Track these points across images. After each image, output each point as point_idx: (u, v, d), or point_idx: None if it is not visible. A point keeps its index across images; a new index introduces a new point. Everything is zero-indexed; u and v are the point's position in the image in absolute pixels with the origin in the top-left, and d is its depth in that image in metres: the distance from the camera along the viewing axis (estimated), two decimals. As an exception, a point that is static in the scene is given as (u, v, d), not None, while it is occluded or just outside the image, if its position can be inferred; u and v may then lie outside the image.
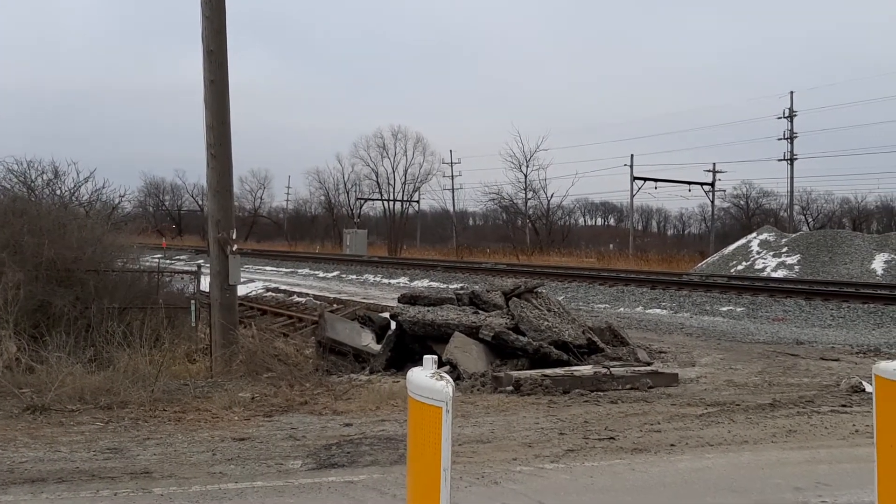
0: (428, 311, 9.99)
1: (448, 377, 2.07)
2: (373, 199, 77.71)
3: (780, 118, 55.46)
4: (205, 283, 11.87)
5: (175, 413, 7.05)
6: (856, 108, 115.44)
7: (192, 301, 12.03)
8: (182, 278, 14.21)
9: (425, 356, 2.12)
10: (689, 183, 57.43)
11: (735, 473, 5.21)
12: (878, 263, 35.93)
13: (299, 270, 38.54)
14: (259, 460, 5.55)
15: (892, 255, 36.08)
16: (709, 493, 4.71)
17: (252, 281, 29.30)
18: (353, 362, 10.53)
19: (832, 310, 17.80)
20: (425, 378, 2.08)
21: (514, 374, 8.45)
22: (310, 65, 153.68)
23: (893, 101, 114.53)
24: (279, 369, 9.33)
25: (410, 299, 11.10)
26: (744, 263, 39.96)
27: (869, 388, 8.12)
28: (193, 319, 11.84)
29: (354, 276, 33.29)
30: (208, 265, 10.72)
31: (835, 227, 63.26)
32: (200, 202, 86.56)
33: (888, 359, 1.80)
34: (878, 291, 21.91)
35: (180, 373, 9.34)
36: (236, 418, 6.96)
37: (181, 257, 46.76)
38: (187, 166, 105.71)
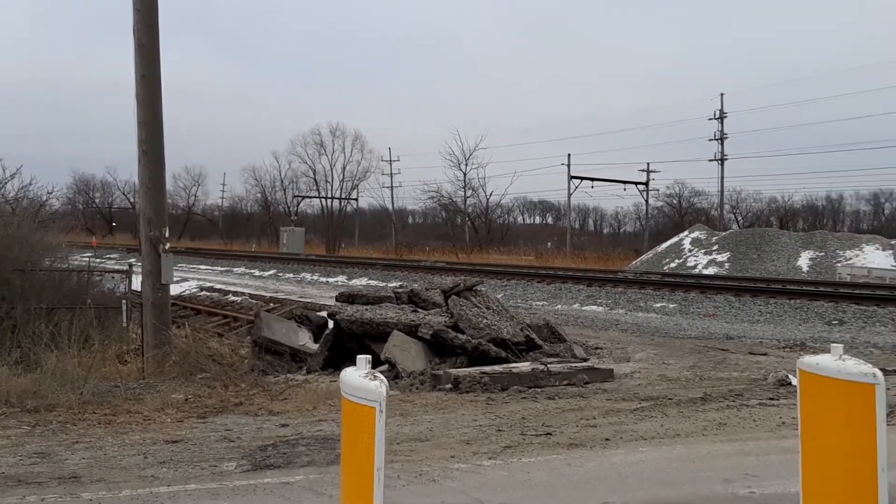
0: (366, 309, 9.94)
1: (381, 377, 2.05)
2: (310, 197, 76.94)
3: (711, 119, 56.91)
4: (136, 283, 11.58)
5: (105, 416, 6.86)
6: (782, 110, 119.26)
7: (124, 301, 11.73)
8: (113, 277, 13.84)
9: (359, 356, 2.10)
10: (625, 182, 58.52)
11: (667, 466, 5.32)
12: (804, 260, 37.21)
13: (235, 269, 37.92)
14: (192, 463, 5.44)
15: (817, 253, 37.41)
16: (642, 487, 4.80)
17: (186, 280, 28.71)
18: (290, 362, 10.41)
19: (760, 306, 18.34)
20: (359, 378, 2.06)
21: (453, 371, 8.47)
22: (245, 61, 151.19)
23: (817, 104, 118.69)
24: (214, 370, 9.15)
25: (348, 298, 11.02)
26: (676, 261, 40.91)
27: (795, 382, 8.39)
28: (125, 319, 11.54)
29: (291, 275, 32.92)
30: (140, 264, 10.45)
31: (763, 225, 65.16)
32: (132, 200, 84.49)
33: (812, 353, 1.86)
34: (804, 288, 22.66)
35: (111, 374, 9.09)
36: (169, 420, 6.80)
37: (112, 256, 45.53)
38: (119, 163, 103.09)
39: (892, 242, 37.69)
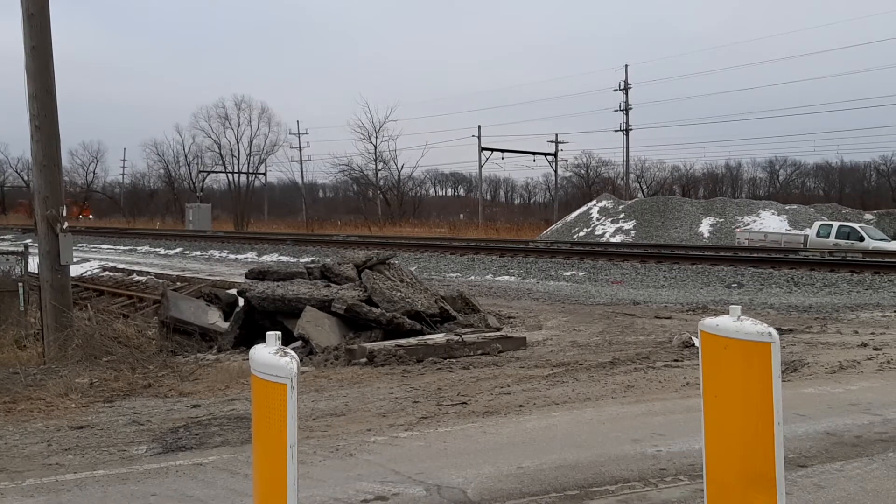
0: (278, 286, 9.79)
1: (292, 353, 2.02)
2: (216, 172, 75.05)
3: (616, 90, 58.13)
4: (34, 265, 11.07)
5: (4, 404, 6.55)
6: (682, 81, 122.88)
7: (20, 284, 11.21)
8: (7, 259, 13.17)
9: (268, 332, 2.07)
10: (534, 153, 59.34)
11: (579, 429, 5.47)
12: (705, 227, 38.69)
13: (139, 248, 36.68)
14: (100, 448, 5.27)
15: (717, 219, 38.93)
16: (555, 450, 4.92)
17: (87, 260, 27.62)
18: (200, 342, 10.18)
19: (665, 271, 18.98)
20: (268, 355, 2.03)
21: (368, 345, 8.46)
22: (141, 34, 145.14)
23: (715, 74, 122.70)
24: (120, 352, 8.86)
25: (259, 274, 10.83)
26: (585, 230, 41.87)
27: (697, 343, 8.74)
28: (22, 303, 11.05)
29: (199, 253, 32.11)
30: (37, 245, 9.98)
31: (666, 193, 67.33)
32: (26, 177, 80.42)
33: (713, 315, 1.96)
34: (705, 253, 23.58)
35: (9, 360, 8.68)
36: (74, 406, 6.56)
37: (6, 237, 43.33)
38: (11, 140, 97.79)
39: (787, 207, 39.56)
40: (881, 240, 29.07)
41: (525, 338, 9.52)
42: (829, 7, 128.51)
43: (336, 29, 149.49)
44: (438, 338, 8.91)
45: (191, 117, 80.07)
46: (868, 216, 37.32)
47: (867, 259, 20.38)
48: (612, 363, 8.12)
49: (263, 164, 74.01)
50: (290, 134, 74.57)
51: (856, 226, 30.41)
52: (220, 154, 72.69)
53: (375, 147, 68.63)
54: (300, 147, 74.94)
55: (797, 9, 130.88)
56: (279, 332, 2.07)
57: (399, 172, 72.44)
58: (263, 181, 77.04)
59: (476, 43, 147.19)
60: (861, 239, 28.39)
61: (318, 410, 6.25)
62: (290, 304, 9.36)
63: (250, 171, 72.64)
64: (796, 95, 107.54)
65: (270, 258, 28.31)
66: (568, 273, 20.05)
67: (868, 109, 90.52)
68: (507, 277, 20.01)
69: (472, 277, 20.13)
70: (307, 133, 75.83)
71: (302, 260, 24.37)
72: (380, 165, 69.66)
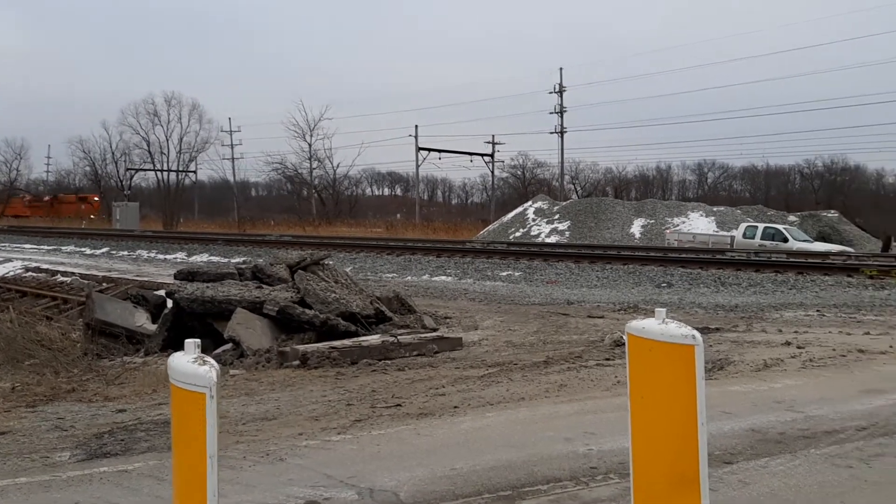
0: (208, 287, 9.58)
1: (212, 361, 1.96)
2: (145, 170, 73.17)
3: (551, 93, 58.86)
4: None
5: (-86, 413, 6.25)
6: (617, 84, 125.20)
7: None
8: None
9: (187, 340, 2.00)
10: (471, 154, 59.70)
11: (513, 429, 5.49)
12: (637, 228, 39.50)
13: (63, 247, 35.48)
14: (22, 455, 5.07)
15: (648, 220, 39.79)
16: (489, 451, 4.92)
17: (9, 260, 26.60)
18: (127, 344, 9.90)
19: (598, 271, 19.28)
20: (187, 363, 1.96)
21: (301, 348, 8.34)
22: (65, 28, 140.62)
23: (647, 79, 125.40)
24: (43, 356, 8.56)
25: (188, 275, 10.60)
26: (521, 230, 42.27)
27: (629, 342, 8.89)
28: (-65, 306, 10.54)
29: (126, 253, 31.26)
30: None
31: (600, 195, 68.38)
32: (-57, 175, 77.07)
33: (642, 317, 1.98)
34: (636, 253, 24.05)
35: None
36: (-9, 413, 6.29)
37: (-80, 237, 41.41)
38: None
39: (715, 209, 40.68)
40: (804, 241, 30.12)
41: (461, 338, 9.53)
42: (753, 14, 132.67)
43: (268, 25, 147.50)
44: (373, 339, 8.84)
45: (118, 114, 77.89)
46: (792, 218, 38.64)
47: (791, 260, 21.09)
48: (546, 363, 8.18)
49: (194, 162, 72.54)
50: (221, 131, 73.29)
51: (780, 227, 31.44)
52: (149, 151, 70.89)
53: (310, 145, 68.03)
54: (232, 145, 73.76)
55: (724, 16, 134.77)
56: (199, 340, 2.01)
57: (334, 171, 71.94)
58: (194, 179, 75.52)
59: (411, 43, 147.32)
60: (785, 240, 29.37)
61: (248, 414, 6.13)
62: (220, 306, 9.17)
63: (180, 169, 71.07)
64: (724, 100, 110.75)
65: (201, 258, 27.74)
66: (504, 273, 20.19)
67: (792, 114, 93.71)
68: (443, 278, 20.03)
69: (409, 278, 20.08)
70: (239, 130, 74.42)
71: (233, 260, 23.95)
72: (315, 164, 69.06)
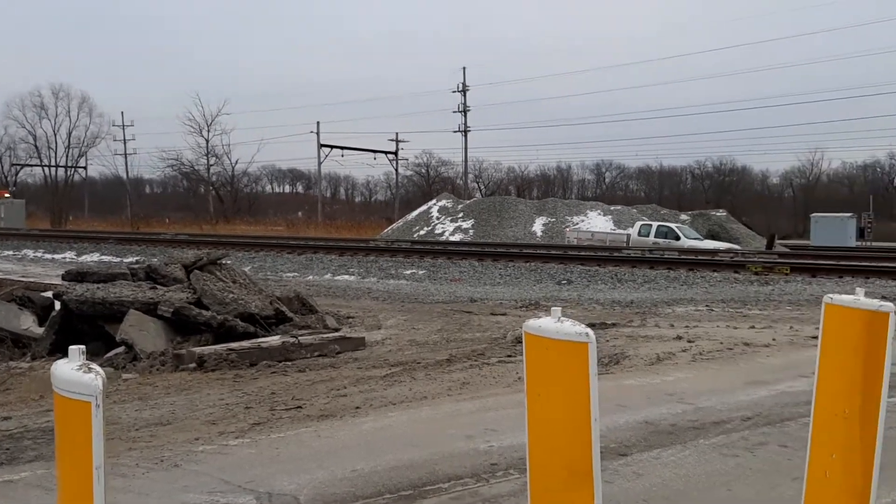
0: (98, 288, 9.19)
1: (98, 368, 1.87)
2: (31, 165, 69.57)
3: (454, 92, 59.30)
4: None
5: None
6: (518, 85, 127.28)
7: None
8: None
9: (71, 347, 1.91)
10: (375, 151, 59.46)
11: (415, 429, 5.50)
12: (538, 226, 40.27)
13: (-59, 248, 33.33)
14: None
15: (549, 219, 40.63)
16: (391, 451, 4.91)
17: None
18: (13, 349, 9.40)
19: (501, 269, 19.56)
20: (71, 371, 1.87)
21: (197, 350, 8.10)
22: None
23: (547, 80, 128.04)
24: (-86, 364, 8.00)
25: (78, 276, 10.14)
26: (426, 228, 42.41)
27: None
28: None
29: (11, 252, 29.65)
30: None
31: (503, 194, 69.40)
32: None
33: (542, 315, 2.02)
34: (538, 251, 24.52)
35: None
36: None
37: None
38: None
39: (612, 208, 41.91)
40: (695, 239, 31.42)
41: (364, 338, 9.47)
42: (646, 19, 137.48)
43: (162, 17, 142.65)
44: (273, 340, 8.68)
45: (3, 106, 73.57)
46: (684, 217, 40.24)
47: (683, 257, 21.95)
48: (449, 361, 8.23)
49: (84, 158, 69.51)
50: (113, 126, 70.52)
51: (673, 226, 32.69)
52: (36, 146, 67.52)
53: (207, 141, 66.24)
54: (125, 140, 71.07)
55: (618, 21, 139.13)
56: (83, 346, 1.92)
57: (233, 168, 70.34)
58: (84, 176, 72.36)
59: (310, 37, 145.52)
60: (677, 238, 30.55)
61: (141, 420, 5.92)
62: (112, 308, 8.81)
63: (69, 164, 67.97)
64: (621, 102, 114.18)
65: (91, 258, 26.61)
66: (408, 272, 20.21)
67: (684, 118, 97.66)
68: (346, 277, 19.88)
69: (311, 277, 19.83)
70: (132, 125, 71.70)
71: (126, 260, 23.08)
72: (212, 160, 67.30)
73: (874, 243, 42.44)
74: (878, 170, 78.74)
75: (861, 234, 42.42)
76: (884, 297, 3.27)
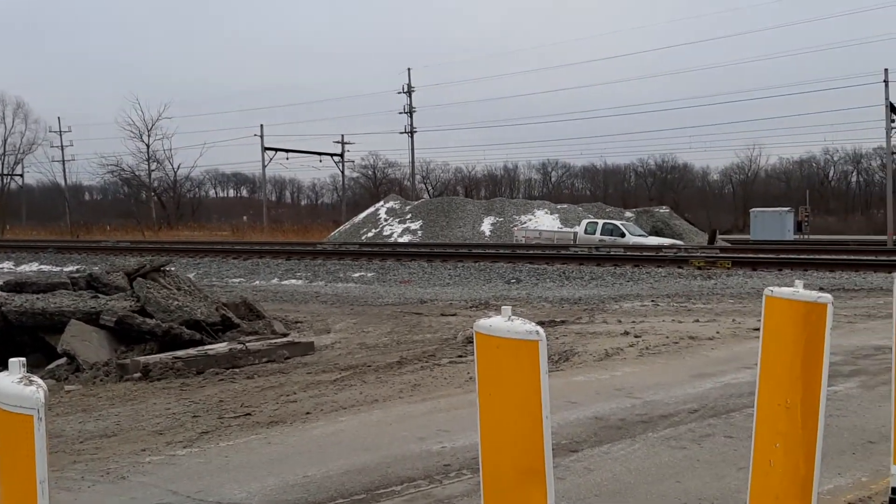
0: (38, 298, 8.93)
1: (39, 381, 1.82)
2: (-35, 173, 67.24)
3: (400, 93, 59.19)
4: None
5: None
6: (464, 86, 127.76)
7: None
8: None
9: (11, 360, 1.85)
10: (320, 154, 58.91)
11: (366, 432, 5.47)
12: (486, 226, 40.46)
13: None
14: None
15: (497, 218, 40.85)
16: (342, 456, 4.88)
17: None
18: (-54, 364, 9.06)
19: (450, 269, 19.60)
20: (11, 384, 1.81)
21: (142, 359, 7.93)
22: None
23: (492, 80, 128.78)
24: None
25: (16, 286, 9.84)
26: (374, 230, 42.25)
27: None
28: None
29: (-55, 264, 28.63)
30: None
31: (451, 194, 69.59)
32: None
33: (492, 314, 2.03)
34: (487, 251, 24.65)
35: None
36: None
37: None
38: None
39: (559, 207, 42.35)
40: (640, 235, 31.95)
41: (313, 342, 9.39)
42: (588, 21, 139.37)
43: (100, 21, 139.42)
44: (220, 347, 8.55)
45: (-69, 111, 71.05)
46: (628, 214, 40.89)
47: (628, 254, 22.32)
48: (400, 363, 8.22)
49: (20, 165, 67.49)
50: (50, 132, 68.60)
51: (618, 223, 33.19)
52: (-31, 154, 65.33)
53: (148, 146, 64.86)
54: (62, 146, 69.17)
55: (565, 20, 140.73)
56: (24, 359, 1.86)
57: (175, 173, 69.06)
58: (20, 183, 70.22)
59: (250, 41, 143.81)
60: (623, 235, 31.03)
61: (86, 432, 5.77)
62: (52, 319, 8.57)
63: (5, 172, 65.90)
64: (564, 102, 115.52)
65: (30, 268, 25.85)
66: (357, 274, 20.11)
67: (627, 116, 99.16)
68: (294, 281, 19.68)
69: (257, 282, 19.59)
70: (70, 131, 69.80)
71: (66, 269, 22.45)
72: (153, 165, 65.93)
73: (811, 236, 43.75)
74: (814, 165, 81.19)
75: (798, 227, 43.72)
76: (821, 289, 3.37)
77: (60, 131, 68.91)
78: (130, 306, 8.88)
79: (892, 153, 38.65)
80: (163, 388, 7.30)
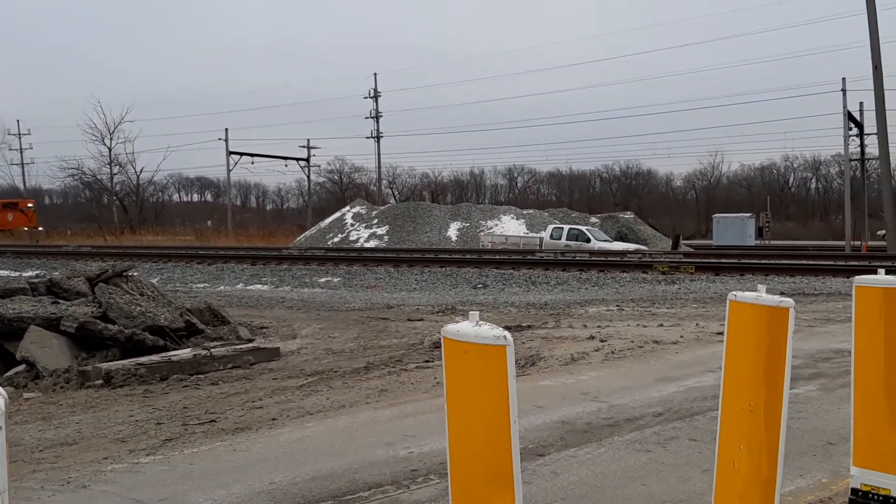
0: (-5, 304, 8.74)
1: (0, 389, 1.78)
2: (-80, 177, 65.56)
3: (366, 98, 59.07)
4: None
5: None
6: (430, 91, 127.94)
7: None
8: None
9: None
10: (286, 158, 58.52)
11: (333, 438, 5.43)
12: (453, 231, 40.53)
13: None
14: None
15: (464, 223, 40.94)
16: (308, 462, 4.84)
17: None
18: None
19: (417, 275, 19.58)
20: (-32, 391, 1.77)
21: (104, 366, 7.80)
22: None
23: (458, 86, 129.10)
24: None
25: (-28, 292, 9.60)
26: (340, 235, 42.07)
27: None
28: None
29: None
30: None
31: (417, 199, 69.54)
32: None
33: (459, 320, 2.04)
34: (453, 256, 24.66)
35: None
36: None
37: None
38: None
39: (525, 212, 42.57)
40: (605, 241, 32.23)
41: (279, 348, 9.32)
42: (554, 28, 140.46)
43: (59, 22, 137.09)
44: (184, 353, 8.44)
45: None
46: (594, 219, 41.24)
47: (593, 259, 22.48)
48: (367, 368, 8.19)
49: (-23, 168, 66.06)
50: (8, 134, 67.33)
51: (583, 228, 33.45)
52: (-74, 157, 63.80)
53: (110, 150, 63.89)
54: (21, 149, 67.97)
55: (524, 29, 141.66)
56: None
57: (138, 177, 68.08)
58: (-22, 186, 68.72)
59: (212, 44, 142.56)
60: (588, 240, 31.27)
61: (46, 440, 5.66)
62: (11, 325, 8.40)
63: (-38, 175, 64.43)
64: (530, 108, 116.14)
65: (-12, 273, 25.28)
66: (323, 279, 20.00)
67: (592, 122, 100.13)
68: (259, 286, 19.52)
69: (222, 287, 19.39)
70: (29, 133, 68.61)
71: (25, 274, 22.02)
72: (115, 169, 64.93)
73: (772, 241, 44.51)
74: (774, 171, 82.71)
75: (760, 233, 44.45)
76: (782, 293, 3.43)
77: (20, 134, 67.79)
78: (92, 312, 8.73)
79: (850, 160, 39.49)
80: (125, 395, 7.19)
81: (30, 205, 55.80)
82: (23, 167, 68.27)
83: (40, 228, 53.65)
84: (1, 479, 1.78)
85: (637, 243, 34.82)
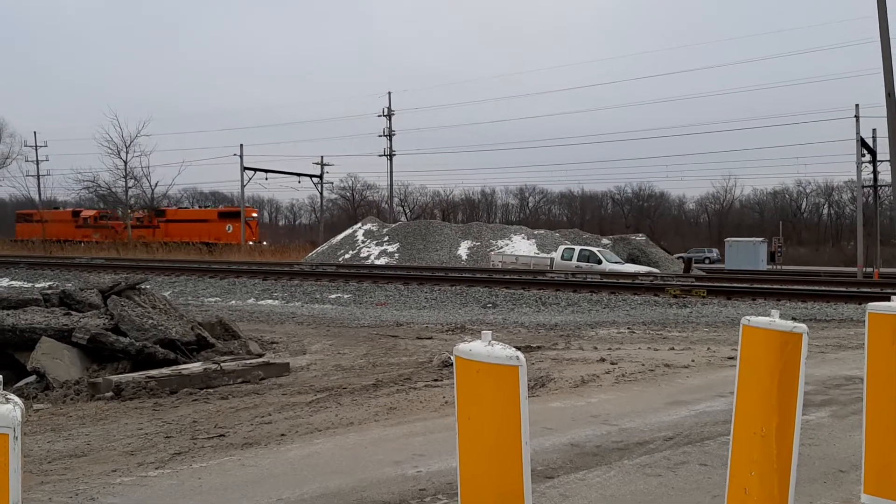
0: (8, 314, 8.79)
1: (15, 398, 1.79)
2: (-63, 186, 66.26)
3: (380, 116, 59.38)
4: None
5: None
6: (442, 111, 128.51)
7: None
8: None
9: (-15, 375, 1.83)
10: (299, 175, 58.77)
11: (341, 455, 5.42)
12: (463, 249, 40.50)
13: None
14: None
15: (474, 242, 40.92)
16: (317, 479, 4.83)
17: None
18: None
19: (426, 293, 19.57)
20: (-15, 401, 1.79)
21: (115, 378, 7.82)
22: None
23: (470, 106, 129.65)
24: None
25: (-14, 302, 9.67)
26: (351, 252, 42.13)
27: (456, 363, 9.06)
28: None
29: (-87, 277, 28.13)
30: None
31: (428, 217, 69.65)
32: None
33: (469, 339, 2.05)
34: (463, 275, 24.65)
35: None
36: None
37: None
38: None
39: (536, 232, 42.51)
40: (616, 262, 32.12)
41: (288, 363, 9.33)
42: (569, 50, 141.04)
43: (80, 36, 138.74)
44: (195, 367, 8.46)
45: None
46: (605, 241, 41.12)
47: (604, 280, 22.41)
48: (376, 385, 8.18)
49: (-7, 178, 66.64)
50: (25, 146, 67.93)
51: (595, 250, 33.35)
52: (-58, 167, 64.45)
53: (126, 163, 64.21)
54: (37, 160, 68.54)
55: (539, 49, 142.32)
56: (0, 376, 1.84)
57: (153, 190, 68.35)
58: (-7, 197, 69.28)
59: (231, 61, 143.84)
60: (599, 262, 31.18)
61: (55, 452, 5.67)
62: (22, 335, 8.44)
63: (-22, 185, 65.02)
64: (543, 129, 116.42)
65: (0, 283, 25.47)
66: (333, 296, 20.02)
67: (604, 144, 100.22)
68: (270, 301, 19.57)
69: (234, 302, 19.44)
70: (46, 146, 69.22)
71: (38, 285, 22.15)
72: (131, 183, 65.25)
73: (784, 266, 44.28)
74: (787, 196, 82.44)
75: (772, 257, 44.23)
76: (794, 319, 3.42)
77: (36, 146, 68.37)
78: (104, 324, 8.77)
79: (863, 187, 39.33)
80: (135, 407, 7.20)
81: (254, 215, 50.16)
82: (38, 178, 68.88)
83: (264, 243, 49.17)
84: (15, 490, 1.79)
85: (648, 265, 34.69)
